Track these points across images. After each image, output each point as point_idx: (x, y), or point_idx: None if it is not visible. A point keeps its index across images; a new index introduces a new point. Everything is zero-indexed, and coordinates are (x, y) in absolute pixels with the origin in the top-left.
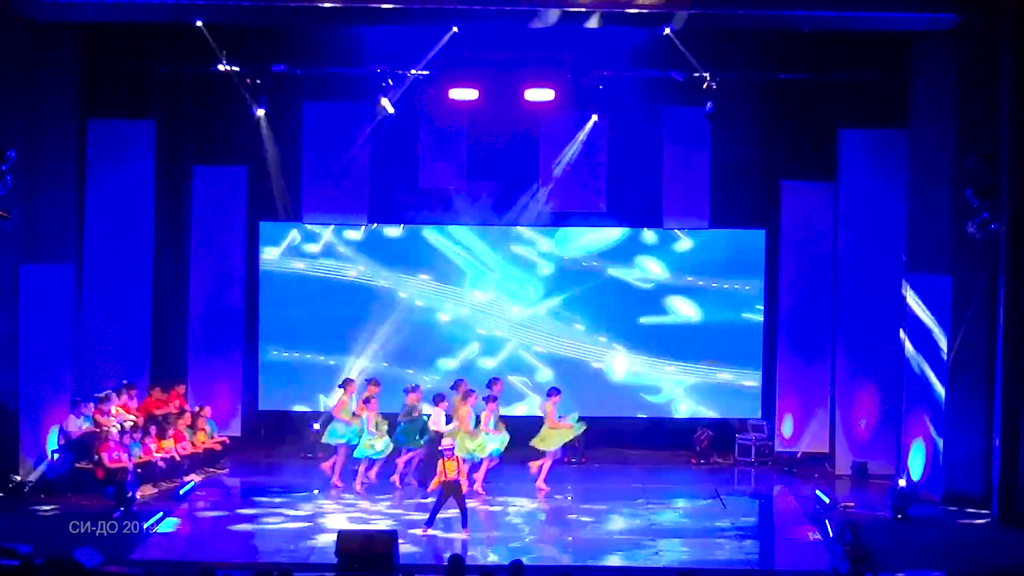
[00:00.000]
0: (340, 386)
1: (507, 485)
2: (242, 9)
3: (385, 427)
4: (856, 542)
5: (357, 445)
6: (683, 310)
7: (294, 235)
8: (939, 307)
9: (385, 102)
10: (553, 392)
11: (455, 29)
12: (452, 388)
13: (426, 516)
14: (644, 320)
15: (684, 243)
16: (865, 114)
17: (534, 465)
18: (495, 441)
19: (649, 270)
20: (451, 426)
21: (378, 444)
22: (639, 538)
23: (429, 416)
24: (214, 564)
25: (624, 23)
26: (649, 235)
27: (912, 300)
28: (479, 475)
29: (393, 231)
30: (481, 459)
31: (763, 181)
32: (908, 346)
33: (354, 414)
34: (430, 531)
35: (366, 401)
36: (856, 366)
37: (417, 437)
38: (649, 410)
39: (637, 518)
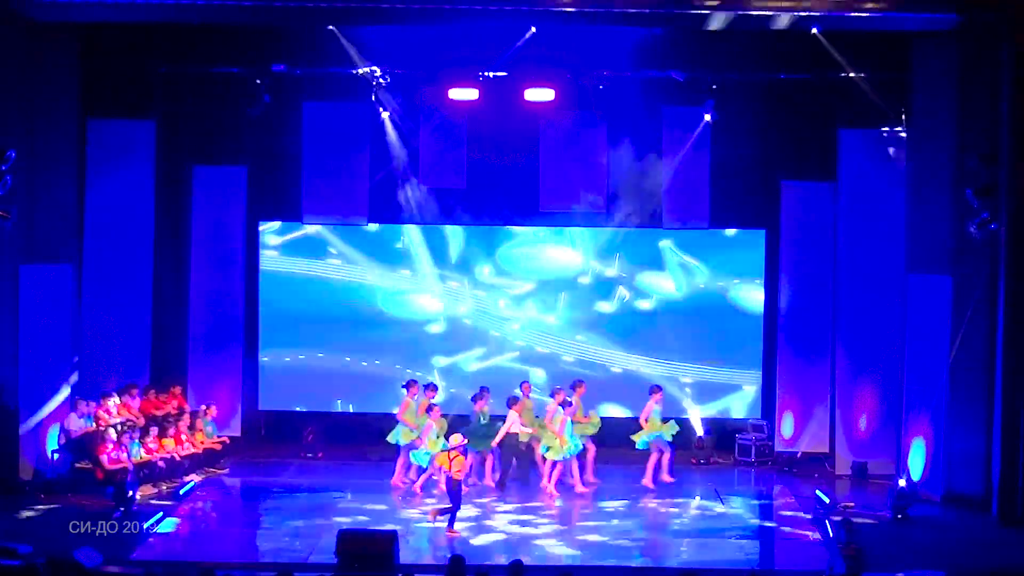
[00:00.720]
0: (403, 387)
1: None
2: (242, 9)
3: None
4: (851, 541)
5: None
6: (682, 310)
7: (294, 235)
8: (939, 307)
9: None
10: (655, 389)
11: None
12: (520, 388)
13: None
14: (643, 320)
15: (684, 243)
16: (865, 114)
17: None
18: (573, 443)
19: (648, 270)
20: (526, 429)
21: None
22: (640, 538)
23: (497, 422)
24: (214, 564)
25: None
26: (649, 235)
27: (912, 300)
28: (553, 476)
29: (392, 231)
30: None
31: (763, 181)
32: (908, 346)
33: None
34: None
35: (428, 409)
36: (856, 366)
37: (486, 440)
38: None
39: (638, 518)
